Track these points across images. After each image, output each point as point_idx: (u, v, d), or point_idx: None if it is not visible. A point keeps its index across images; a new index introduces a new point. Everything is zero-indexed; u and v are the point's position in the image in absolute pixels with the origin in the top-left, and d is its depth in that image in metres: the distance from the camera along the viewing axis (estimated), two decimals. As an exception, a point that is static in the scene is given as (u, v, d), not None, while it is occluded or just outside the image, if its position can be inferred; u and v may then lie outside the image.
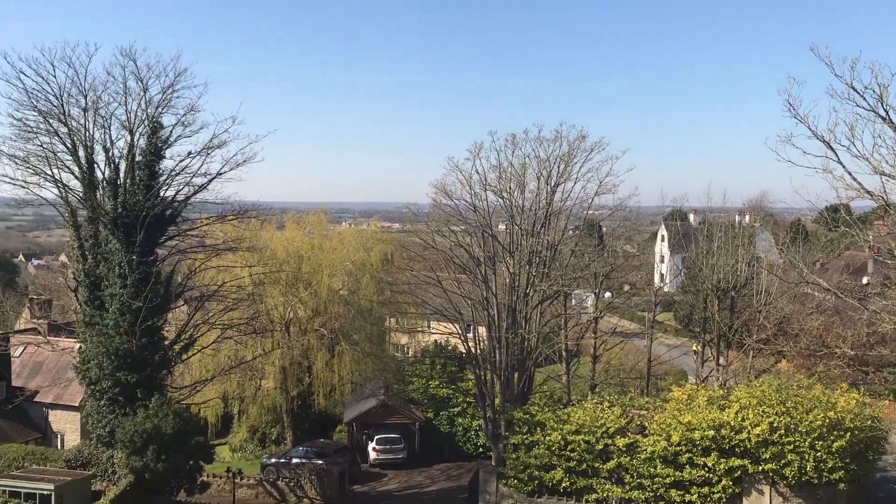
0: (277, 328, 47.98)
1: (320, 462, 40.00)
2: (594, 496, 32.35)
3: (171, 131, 36.74)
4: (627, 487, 31.81)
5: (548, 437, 32.87)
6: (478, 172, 37.60)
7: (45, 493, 31.04)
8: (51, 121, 36.25)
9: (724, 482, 30.48)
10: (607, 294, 52.22)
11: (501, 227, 42.01)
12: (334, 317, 49.16)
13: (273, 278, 46.99)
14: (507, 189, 38.08)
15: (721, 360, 43.39)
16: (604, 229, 56.11)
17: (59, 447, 46.01)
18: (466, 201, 38.28)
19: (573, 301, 49.82)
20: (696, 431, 30.66)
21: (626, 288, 60.60)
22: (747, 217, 68.55)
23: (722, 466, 30.39)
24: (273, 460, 42.13)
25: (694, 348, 48.04)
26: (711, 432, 30.40)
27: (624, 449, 31.80)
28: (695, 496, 30.83)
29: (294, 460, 41.16)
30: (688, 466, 30.86)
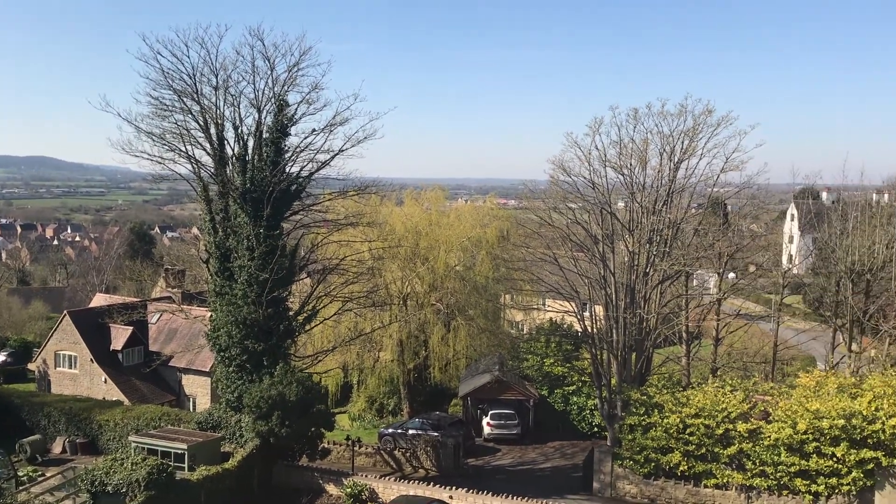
0: (395, 302, 48.94)
1: (436, 434, 40.72)
2: (713, 481, 31.67)
3: (296, 109, 37.95)
4: (749, 474, 30.94)
5: (666, 420, 32.39)
6: (597, 148, 37.16)
7: (179, 451, 32.99)
8: (184, 99, 37.83)
9: (854, 474, 29.10)
10: (731, 275, 50.30)
11: (621, 204, 41.24)
12: (450, 292, 49.75)
13: (392, 253, 47.92)
14: (628, 165, 37.42)
15: (854, 347, 41.17)
16: (729, 207, 53.94)
17: (191, 409, 48.63)
18: (585, 178, 37.85)
19: (695, 282, 48.40)
20: (825, 420, 29.38)
21: (752, 269, 58.19)
22: (886, 196, 64.29)
23: (853, 458, 29.00)
24: (390, 430, 43.24)
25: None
26: (841, 421, 29.05)
27: (746, 435, 30.91)
28: (822, 486, 29.62)
29: (410, 431, 42.11)
30: (814, 456, 29.66)
